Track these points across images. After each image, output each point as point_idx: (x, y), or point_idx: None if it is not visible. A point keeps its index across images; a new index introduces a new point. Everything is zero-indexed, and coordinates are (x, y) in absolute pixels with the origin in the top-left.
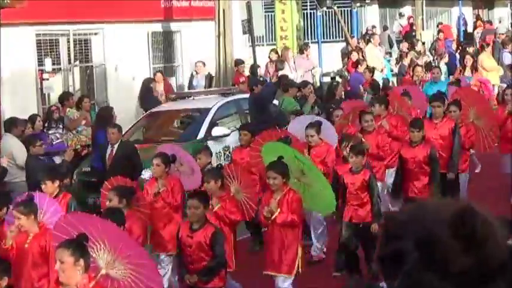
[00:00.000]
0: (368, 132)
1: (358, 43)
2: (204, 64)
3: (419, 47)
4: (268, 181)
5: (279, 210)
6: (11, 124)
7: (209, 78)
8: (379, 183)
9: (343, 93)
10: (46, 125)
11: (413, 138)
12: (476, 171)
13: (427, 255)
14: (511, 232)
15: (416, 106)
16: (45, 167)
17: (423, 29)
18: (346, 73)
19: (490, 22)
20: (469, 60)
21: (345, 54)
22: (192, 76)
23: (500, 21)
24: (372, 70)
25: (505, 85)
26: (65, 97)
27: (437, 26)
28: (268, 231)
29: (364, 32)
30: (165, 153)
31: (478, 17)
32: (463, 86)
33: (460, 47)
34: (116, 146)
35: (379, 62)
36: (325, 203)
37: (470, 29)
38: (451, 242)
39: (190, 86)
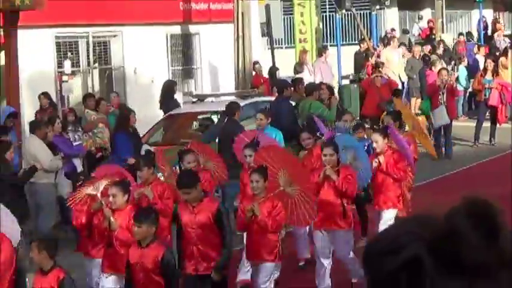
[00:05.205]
0: (114, 209)
1: (378, 46)
2: None
3: (440, 50)
4: None
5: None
6: (36, 126)
7: None
8: None
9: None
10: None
11: (135, 234)
12: None
13: (444, 256)
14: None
15: None
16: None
17: (443, 32)
18: (365, 76)
19: None
20: (489, 64)
21: (359, 55)
22: None
23: None
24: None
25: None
26: (86, 98)
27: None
28: None
29: (383, 35)
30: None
31: (496, 20)
32: (266, 144)
33: (480, 50)
34: None
35: (394, 65)
36: None
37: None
38: (474, 234)
39: None
